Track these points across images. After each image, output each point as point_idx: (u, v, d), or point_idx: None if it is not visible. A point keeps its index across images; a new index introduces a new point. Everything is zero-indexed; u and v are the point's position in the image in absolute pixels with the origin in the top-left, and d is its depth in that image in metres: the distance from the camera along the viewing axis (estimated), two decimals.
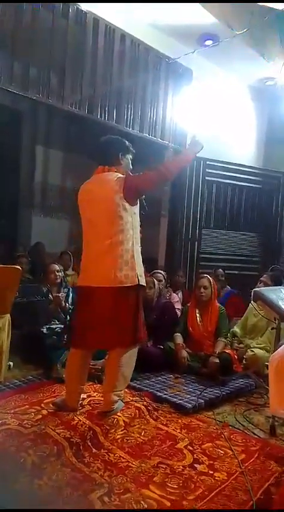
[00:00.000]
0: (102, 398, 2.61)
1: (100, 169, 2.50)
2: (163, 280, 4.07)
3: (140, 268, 2.45)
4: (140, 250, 2.51)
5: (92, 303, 2.42)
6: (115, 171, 2.46)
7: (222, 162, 5.83)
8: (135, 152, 2.61)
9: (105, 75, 4.35)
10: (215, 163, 5.78)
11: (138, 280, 2.41)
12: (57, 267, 3.83)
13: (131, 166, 2.60)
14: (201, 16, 4.60)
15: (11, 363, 3.29)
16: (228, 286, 5.17)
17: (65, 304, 3.69)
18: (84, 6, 4.04)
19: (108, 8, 4.25)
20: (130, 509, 1.66)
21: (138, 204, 2.51)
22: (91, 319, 2.41)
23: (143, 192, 2.49)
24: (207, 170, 5.72)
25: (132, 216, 2.43)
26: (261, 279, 4.14)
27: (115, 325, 2.38)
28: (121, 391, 2.52)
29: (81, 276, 2.52)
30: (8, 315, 3.05)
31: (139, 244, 2.50)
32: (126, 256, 2.38)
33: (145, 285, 2.53)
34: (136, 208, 2.49)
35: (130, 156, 2.59)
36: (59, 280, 3.78)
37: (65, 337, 3.17)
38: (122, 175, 2.45)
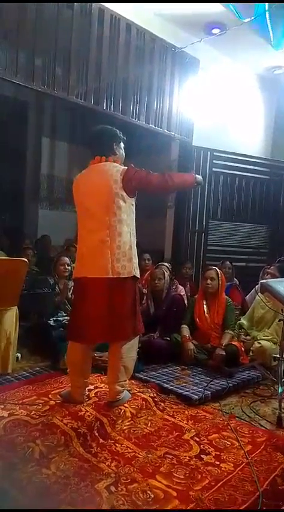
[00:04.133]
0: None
1: (96, 159, 2.48)
2: (169, 272, 4.06)
3: (136, 260, 2.46)
4: (136, 242, 2.51)
5: (89, 294, 2.41)
6: (112, 161, 2.47)
7: (229, 152, 5.76)
8: (125, 139, 2.61)
9: (110, 65, 4.30)
10: (223, 154, 5.72)
11: (134, 271, 2.42)
12: (67, 260, 3.85)
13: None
14: (208, 4, 4.52)
15: (19, 355, 3.32)
16: (236, 279, 5.15)
17: (72, 296, 3.70)
18: None
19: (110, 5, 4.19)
20: (130, 510, 1.67)
21: (136, 196, 2.49)
22: (89, 312, 2.40)
23: (141, 188, 2.45)
24: (213, 161, 5.66)
25: (130, 207, 2.43)
26: (268, 270, 4.11)
27: (114, 317, 2.37)
28: (125, 381, 2.54)
29: (78, 267, 2.50)
30: (16, 307, 3.07)
31: (135, 236, 2.51)
32: (124, 247, 2.37)
33: (139, 277, 2.52)
34: (134, 200, 2.47)
35: (122, 145, 2.58)
36: (67, 273, 3.79)
37: None
38: (123, 167, 2.45)
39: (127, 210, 2.41)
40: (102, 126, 2.60)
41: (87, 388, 2.61)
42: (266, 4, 4.32)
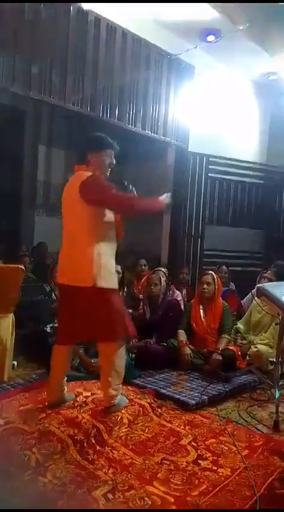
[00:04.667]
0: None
1: (75, 167, 2.50)
2: (165, 278, 4.07)
3: (105, 271, 2.36)
4: (115, 250, 2.48)
5: (67, 300, 2.48)
6: (86, 170, 2.41)
7: (225, 158, 5.81)
8: (113, 148, 2.48)
9: (106, 73, 4.34)
10: (218, 160, 5.76)
11: (106, 281, 2.36)
12: None
13: (112, 162, 2.48)
14: (203, 11, 4.57)
15: (15, 362, 3.30)
16: (232, 284, 5.16)
17: None
18: (85, 5, 4.03)
19: (109, 4, 4.23)
20: (130, 509, 1.67)
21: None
22: (68, 316, 2.48)
23: (100, 201, 2.33)
24: (209, 166, 5.71)
25: (98, 217, 2.35)
26: (265, 275, 4.13)
27: (92, 322, 2.40)
28: (118, 384, 2.51)
29: (59, 273, 2.53)
30: (12, 315, 3.06)
31: (115, 244, 2.48)
32: (96, 256, 2.33)
33: (115, 287, 2.47)
34: (107, 211, 2.38)
35: (106, 153, 2.44)
36: None
37: None
38: (88, 174, 2.37)
39: (94, 220, 2.35)
40: (90, 134, 2.56)
41: (83, 395, 2.61)
42: (261, 10, 4.38)
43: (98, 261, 2.33)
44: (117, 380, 2.51)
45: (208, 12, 4.58)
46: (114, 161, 2.50)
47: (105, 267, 2.36)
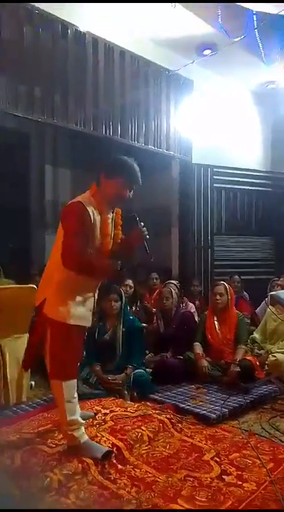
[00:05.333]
0: (125, 413, 2.61)
1: (93, 186, 2.25)
2: (177, 290, 4.06)
3: (67, 302, 2.12)
4: (94, 284, 2.23)
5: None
6: (95, 192, 2.19)
7: (229, 168, 5.83)
8: (138, 182, 2.19)
9: (107, 92, 4.42)
10: (223, 170, 5.79)
11: (57, 312, 2.11)
12: None
13: (125, 195, 2.18)
14: (198, 26, 4.66)
15: (33, 382, 3.30)
16: (245, 293, 5.11)
17: None
18: (82, 27, 4.13)
19: (106, 25, 4.34)
20: (130, 509, 1.62)
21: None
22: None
23: (65, 244, 2.03)
24: (214, 177, 5.73)
25: None
26: (278, 282, 4.09)
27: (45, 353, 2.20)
28: (72, 422, 2.17)
29: None
30: (26, 334, 3.06)
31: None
32: (57, 284, 2.13)
33: (83, 325, 2.21)
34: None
35: (120, 183, 2.15)
36: None
37: (84, 353, 3.17)
38: (78, 199, 2.13)
39: None
40: (115, 155, 2.25)
41: (102, 413, 2.59)
42: (255, 22, 4.44)
43: (56, 289, 2.12)
44: (69, 416, 2.16)
45: (202, 27, 4.66)
46: (130, 195, 2.20)
47: (63, 297, 2.12)
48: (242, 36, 4.62)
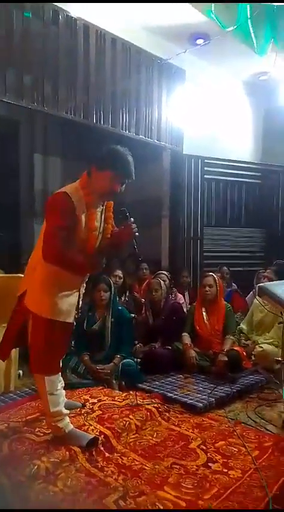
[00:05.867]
0: (113, 402, 2.63)
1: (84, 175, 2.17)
2: (168, 281, 4.07)
3: (48, 297, 2.07)
4: (78, 279, 2.16)
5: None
6: (85, 182, 2.09)
7: (220, 159, 5.83)
8: (130, 177, 2.09)
9: (98, 79, 4.36)
10: (213, 161, 5.79)
11: (38, 306, 2.08)
12: None
13: (116, 189, 2.07)
14: (191, 15, 4.60)
15: (21, 372, 3.30)
16: (234, 284, 5.16)
17: None
18: (73, 12, 4.06)
19: (98, 12, 4.27)
20: (130, 510, 1.65)
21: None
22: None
23: (46, 237, 1.99)
24: (205, 168, 5.72)
25: None
26: (265, 274, 4.13)
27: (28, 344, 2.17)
28: (57, 413, 2.17)
29: None
30: None
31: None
32: (40, 276, 2.07)
33: (63, 320, 2.12)
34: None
35: (111, 177, 2.04)
36: None
37: (73, 343, 3.17)
38: (65, 190, 2.04)
39: None
40: (109, 146, 2.11)
41: (90, 402, 2.61)
42: (248, 12, 4.41)
43: (38, 282, 2.08)
44: (53, 407, 2.15)
45: (196, 16, 4.61)
46: (121, 190, 2.11)
47: (44, 290, 2.07)
48: (235, 26, 4.59)
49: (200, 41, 5.05)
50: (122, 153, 2.07)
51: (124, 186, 2.12)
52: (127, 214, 2.15)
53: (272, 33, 4.54)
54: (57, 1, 3.92)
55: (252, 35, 4.59)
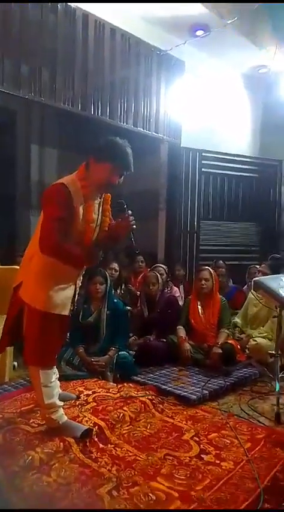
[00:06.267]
0: (107, 394, 2.65)
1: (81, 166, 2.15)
2: (165, 274, 4.08)
3: (43, 289, 2.06)
4: (74, 273, 2.13)
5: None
6: (82, 173, 2.07)
7: (218, 153, 5.81)
8: (129, 169, 2.07)
9: (96, 70, 4.32)
10: (211, 154, 5.76)
11: (33, 299, 2.07)
12: None
13: (113, 181, 2.05)
14: (191, 6, 4.56)
15: (16, 363, 3.31)
16: (230, 280, 5.16)
17: None
18: (72, 3, 4.01)
19: (97, 1, 4.21)
20: (130, 510, 1.67)
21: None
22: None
23: (43, 228, 1.97)
24: (203, 162, 5.70)
25: None
26: (259, 268, 4.15)
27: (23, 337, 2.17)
28: (50, 405, 2.17)
29: None
30: None
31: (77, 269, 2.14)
32: (35, 268, 2.07)
33: (58, 313, 2.11)
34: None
35: (110, 169, 2.02)
36: None
37: (68, 335, 3.18)
38: (61, 181, 2.03)
39: None
40: (107, 137, 2.09)
41: (84, 394, 2.62)
42: (249, 4, 4.38)
43: (34, 274, 2.07)
44: (47, 400, 2.16)
45: (196, 7, 4.56)
46: (120, 182, 2.08)
47: (39, 282, 2.06)
48: (235, 18, 4.55)
49: (200, 33, 5.00)
50: (121, 145, 2.04)
51: (122, 178, 2.10)
52: (125, 206, 2.13)
53: (273, 26, 4.52)
54: (58, 1, 3.86)
55: (253, 27, 4.57)
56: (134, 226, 2.11)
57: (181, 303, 4.20)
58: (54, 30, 3.92)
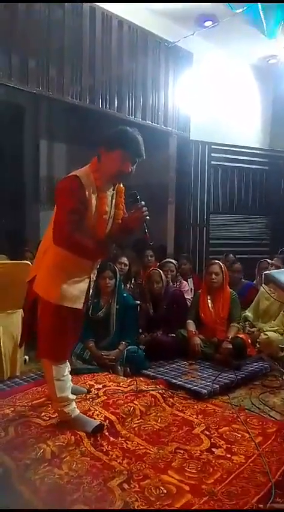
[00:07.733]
0: (118, 388, 2.66)
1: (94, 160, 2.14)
2: (175, 270, 4.05)
3: (57, 283, 2.06)
4: (88, 265, 2.13)
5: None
6: (95, 166, 2.06)
7: (227, 145, 5.75)
8: (141, 156, 2.05)
9: (104, 63, 4.30)
10: (220, 147, 5.71)
11: (47, 292, 2.07)
12: None
13: (126, 170, 2.02)
14: None
15: (27, 357, 3.33)
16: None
17: None
18: None
19: None
20: (130, 510, 1.67)
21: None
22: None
23: (56, 220, 1.97)
24: (212, 154, 5.66)
25: None
26: (272, 262, 4.10)
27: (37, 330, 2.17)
28: (62, 399, 2.19)
29: None
30: (21, 310, 3.07)
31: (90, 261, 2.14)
32: (48, 262, 2.08)
33: (71, 306, 2.10)
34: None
35: (120, 156, 2.00)
36: None
37: None
38: (75, 173, 2.02)
39: None
40: (117, 128, 2.07)
41: (95, 387, 2.64)
42: None
43: (47, 267, 2.08)
44: (59, 393, 2.17)
45: None
46: (132, 170, 2.05)
47: (53, 276, 2.06)
48: (244, 8, 4.47)
49: (208, 23, 4.94)
50: (131, 132, 2.03)
51: (135, 166, 2.06)
52: (138, 197, 2.09)
53: (282, 15, 4.43)
54: (58, 1, 3.83)
55: (262, 17, 4.49)
56: (148, 217, 2.08)
57: (190, 296, 4.18)
58: (61, 23, 3.90)
